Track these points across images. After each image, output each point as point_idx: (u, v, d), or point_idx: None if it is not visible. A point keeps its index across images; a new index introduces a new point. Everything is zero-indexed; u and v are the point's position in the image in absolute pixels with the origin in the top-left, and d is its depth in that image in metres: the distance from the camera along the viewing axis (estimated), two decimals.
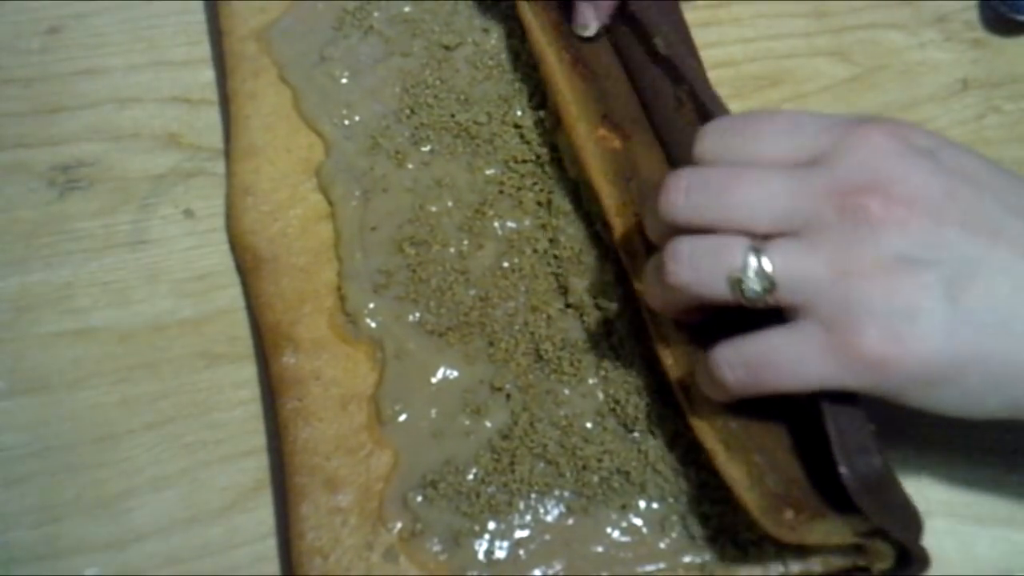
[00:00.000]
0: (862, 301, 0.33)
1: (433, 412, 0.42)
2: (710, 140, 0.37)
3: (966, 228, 0.33)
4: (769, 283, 0.34)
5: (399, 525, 0.40)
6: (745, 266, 0.34)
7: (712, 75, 0.52)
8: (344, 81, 0.49)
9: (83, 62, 0.52)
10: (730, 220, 0.35)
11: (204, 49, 0.53)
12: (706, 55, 0.52)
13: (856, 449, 0.34)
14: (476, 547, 0.39)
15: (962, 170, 0.35)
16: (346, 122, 0.48)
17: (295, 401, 0.42)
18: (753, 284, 0.34)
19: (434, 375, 0.43)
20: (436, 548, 0.39)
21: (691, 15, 0.53)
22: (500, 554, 0.39)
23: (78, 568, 0.41)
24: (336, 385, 0.42)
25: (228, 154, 0.48)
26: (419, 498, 0.40)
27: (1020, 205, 0.34)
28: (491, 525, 0.39)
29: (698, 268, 0.35)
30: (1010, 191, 0.35)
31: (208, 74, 0.52)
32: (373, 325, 0.44)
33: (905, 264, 0.33)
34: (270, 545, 0.41)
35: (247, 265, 0.46)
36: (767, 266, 0.34)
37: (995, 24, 0.54)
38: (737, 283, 0.34)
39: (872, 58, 0.53)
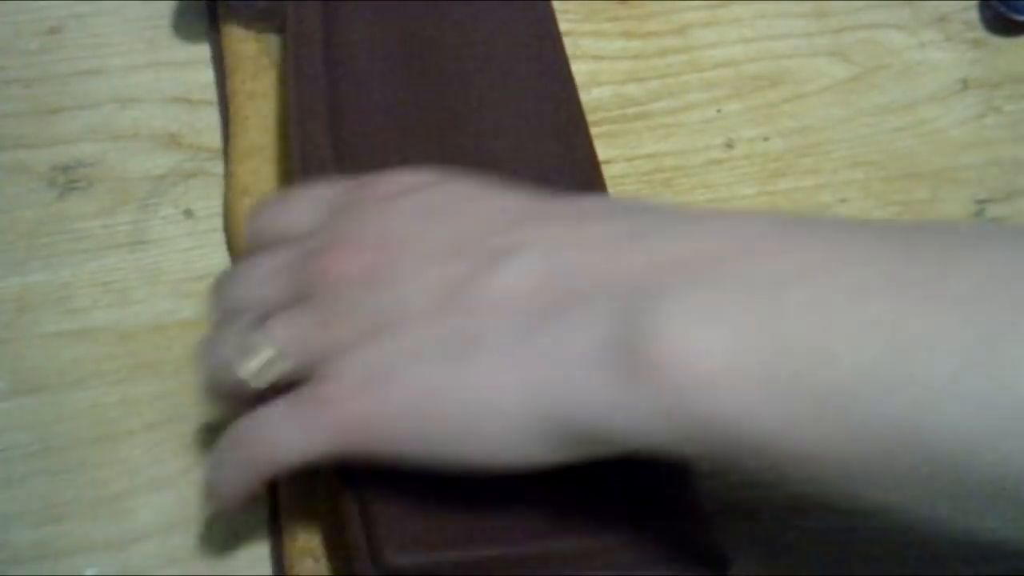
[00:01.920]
0: (344, 356, 0.31)
1: None
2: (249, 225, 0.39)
3: (425, 260, 0.31)
4: (273, 356, 0.33)
5: None
6: (246, 350, 0.33)
7: (712, 75, 0.52)
8: None
9: (83, 62, 0.52)
10: (246, 308, 0.34)
11: (204, 49, 0.53)
12: (705, 56, 0.52)
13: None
14: None
15: (437, 200, 0.33)
16: None
17: None
18: (258, 362, 0.33)
19: None
20: None
21: (691, 15, 0.53)
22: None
23: (78, 568, 0.41)
24: None
25: (227, 155, 0.48)
26: None
27: (522, 208, 0.32)
28: None
29: (216, 360, 0.34)
30: (515, 204, 0.32)
31: (209, 74, 0.52)
32: None
33: (365, 309, 0.31)
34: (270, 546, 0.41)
35: None
36: (262, 342, 0.33)
37: (995, 24, 0.54)
38: (249, 363, 0.33)
39: (872, 58, 0.53)
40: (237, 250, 0.46)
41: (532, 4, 0.47)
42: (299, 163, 0.41)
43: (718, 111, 0.51)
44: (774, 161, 0.50)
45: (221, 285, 0.37)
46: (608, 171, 0.45)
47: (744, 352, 0.25)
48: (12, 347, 0.45)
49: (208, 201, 0.49)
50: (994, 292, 0.24)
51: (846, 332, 0.25)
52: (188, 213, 0.48)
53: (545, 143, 0.44)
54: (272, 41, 0.50)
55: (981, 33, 0.54)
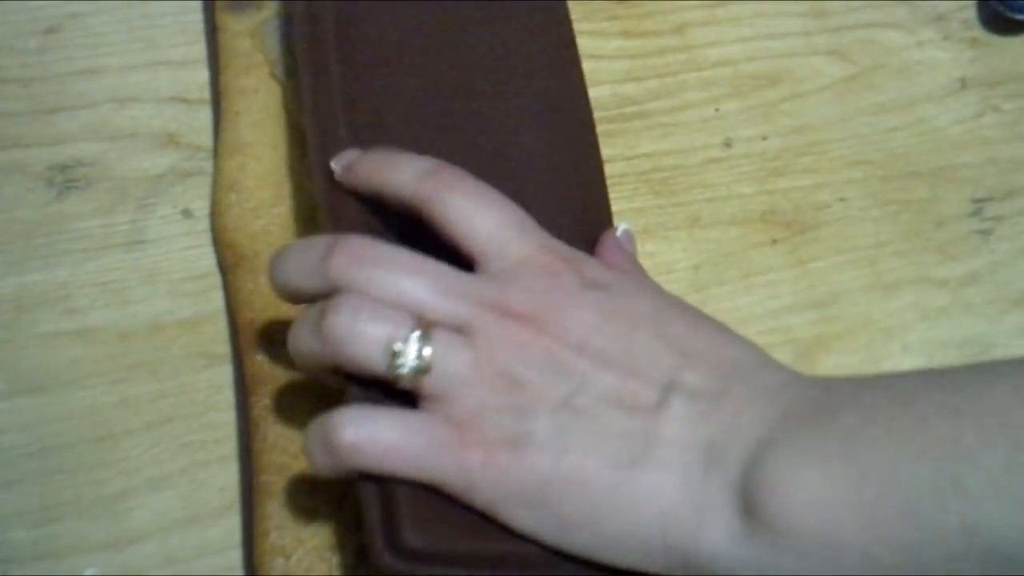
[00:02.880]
0: (487, 406, 0.33)
1: None
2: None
3: (604, 364, 0.34)
4: (424, 366, 0.34)
5: None
6: (408, 340, 0.34)
7: (710, 74, 0.52)
8: None
9: (81, 62, 0.52)
10: (399, 301, 0.35)
11: (202, 49, 0.53)
12: (704, 55, 0.52)
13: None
14: None
15: (626, 309, 0.35)
16: None
17: (267, 399, 0.42)
18: (410, 361, 0.34)
19: None
20: None
21: (689, 14, 0.53)
22: None
23: (77, 568, 0.41)
24: (309, 384, 0.42)
25: (216, 150, 0.48)
26: None
27: (687, 346, 0.35)
28: None
29: (362, 328, 0.34)
30: (681, 334, 0.35)
31: (206, 74, 0.52)
32: None
33: (537, 382, 0.34)
34: None
35: (228, 262, 0.46)
36: (427, 349, 0.34)
37: (993, 23, 0.54)
38: (394, 355, 0.34)
39: (870, 57, 0.53)
40: (224, 244, 0.46)
41: (549, 4, 0.47)
42: (318, 147, 0.41)
43: (716, 110, 0.51)
44: (772, 160, 0.50)
45: (358, 256, 0.35)
46: (607, 170, 0.45)
47: (835, 486, 0.31)
48: (10, 347, 0.45)
49: (206, 201, 0.48)
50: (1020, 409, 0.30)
51: (908, 457, 0.30)
52: (186, 213, 0.48)
53: (554, 142, 0.44)
54: (266, 38, 0.50)
55: (979, 32, 0.54)
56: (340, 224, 0.39)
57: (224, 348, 0.45)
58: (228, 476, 0.43)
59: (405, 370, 0.34)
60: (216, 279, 0.47)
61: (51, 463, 0.43)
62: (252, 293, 0.44)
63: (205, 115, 0.51)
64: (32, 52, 0.52)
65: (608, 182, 0.45)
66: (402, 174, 0.37)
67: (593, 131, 0.45)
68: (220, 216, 0.47)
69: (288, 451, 0.41)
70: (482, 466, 0.33)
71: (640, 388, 0.34)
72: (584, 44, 0.52)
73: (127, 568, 0.41)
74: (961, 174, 0.50)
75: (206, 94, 0.52)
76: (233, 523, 0.42)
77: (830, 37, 0.54)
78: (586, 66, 0.48)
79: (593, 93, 0.50)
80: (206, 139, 0.50)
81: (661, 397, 0.33)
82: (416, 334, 0.34)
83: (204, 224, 0.48)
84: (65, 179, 0.49)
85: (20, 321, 0.46)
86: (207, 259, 0.47)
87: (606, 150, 0.46)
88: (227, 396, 0.44)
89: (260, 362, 0.43)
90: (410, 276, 0.35)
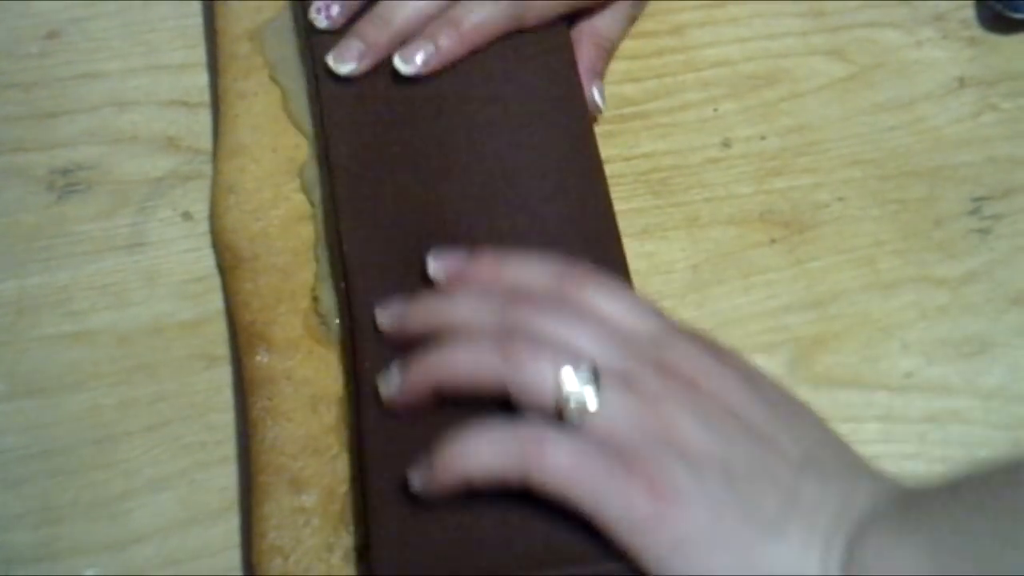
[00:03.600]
0: (649, 452, 0.34)
1: None
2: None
3: (754, 433, 0.35)
4: (592, 405, 0.34)
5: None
6: (578, 378, 0.35)
7: (708, 74, 0.52)
8: None
9: (82, 66, 0.52)
10: (569, 343, 0.36)
11: (201, 53, 0.53)
12: (702, 55, 0.52)
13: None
14: None
15: (766, 387, 0.37)
16: None
17: (265, 400, 0.42)
18: (578, 398, 0.34)
19: None
20: None
21: (687, 15, 0.54)
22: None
23: (77, 569, 0.41)
24: (307, 385, 0.42)
25: (215, 152, 0.49)
26: None
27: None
28: None
29: (536, 354, 0.35)
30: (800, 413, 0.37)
31: (206, 78, 0.52)
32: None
33: (694, 439, 0.34)
34: None
35: (227, 264, 0.46)
36: (595, 389, 0.34)
37: (992, 22, 0.54)
38: (559, 387, 0.35)
39: (869, 57, 0.53)
40: (223, 246, 0.46)
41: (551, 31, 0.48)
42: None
43: (715, 110, 0.51)
44: (771, 160, 0.50)
45: (535, 303, 0.37)
46: (606, 171, 0.45)
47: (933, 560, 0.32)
48: (11, 349, 0.45)
49: (206, 203, 0.49)
50: None
51: (980, 542, 0.32)
52: (186, 215, 0.48)
53: (554, 151, 0.45)
54: (265, 41, 0.50)
55: (977, 31, 0.54)
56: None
57: (223, 350, 0.45)
58: (228, 477, 0.43)
59: (572, 404, 0.34)
60: (216, 281, 0.47)
61: (51, 465, 0.43)
62: (251, 295, 0.44)
63: (205, 118, 0.51)
64: (33, 56, 0.53)
65: (607, 182, 0.45)
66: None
67: (592, 138, 0.46)
68: (219, 218, 0.47)
69: (286, 452, 0.41)
70: (643, 506, 0.33)
71: (781, 461, 0.35)
72: None
73: (127, 569, 0.41)
74: (960, 173, 0.50)
75: (206, 97, 0.52)
76: (233, 524, 0.42)
77: (828, 37, 0.54)
78: None
79: None
80: (206, 142, 0.50)
81: (799, 471, 0.35)
82: (587, 374, 0.35)
83: (204, 227, 0.48)
84: (66, 182, 0.49)
85: (21, 323, 0.46)
86: (207, 261, 0.47)
87: (605, 151, 0.46)
88: (227, 397, 0.44)
89: (259, 363, 0.43)
90: (582, 324, 0.36)
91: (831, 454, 0.36)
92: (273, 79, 0.49)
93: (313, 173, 0.47)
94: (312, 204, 0.46)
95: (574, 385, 0.34)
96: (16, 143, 0.50)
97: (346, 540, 0.39)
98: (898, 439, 0.44)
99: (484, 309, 0.38)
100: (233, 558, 0.41)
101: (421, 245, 0.41)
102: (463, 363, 0.37)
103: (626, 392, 0.35)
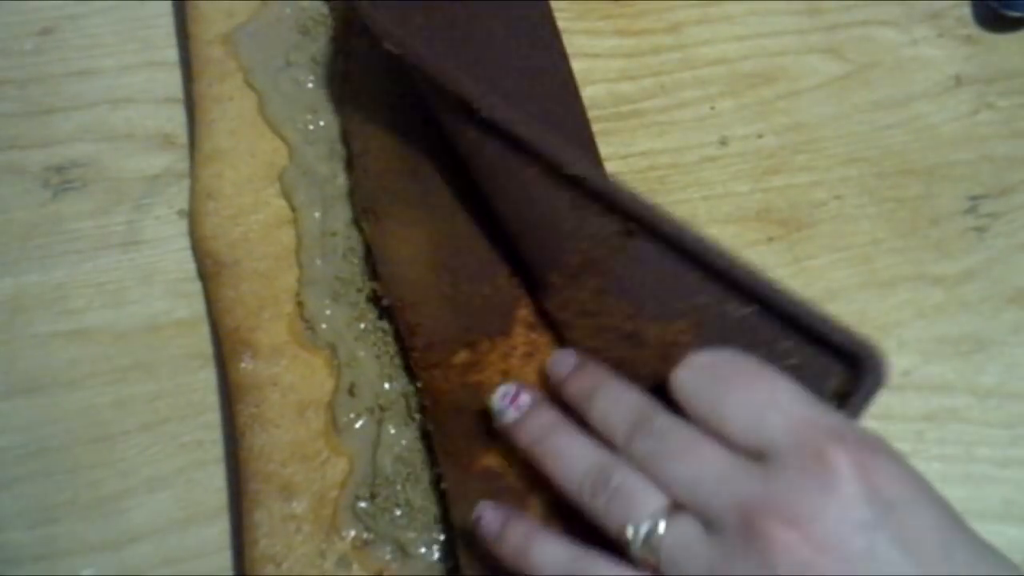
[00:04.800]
0: None
1: None
2: (690, 376, 0.36)
3: None
4: (655, 548, 0.34)
5: (352, 533, 0.40)
6: (652, 521, 0.34)
7: (705, 73, 0.52)
8: (309, 86, 0.49)
9: (76, 63, 0.52)
10: (661, 480, 0.35)
11: None
12: (699, 53, 0.52)
13: None
14: (425, 555, 0.39)
15: (909, 535, 0.32)
16: (310, 127, 0.48)
17: (252, 407, 0.42)
18: (642, 541, 0.34)
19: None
20: (387, 556, 0.39)
21: (684, 13, 0.53)
22: (450, 562, 0.39)
23: (74, 568, 0.41)
24: (294, 391, 0.42)
25: (192, 158, 0.48)
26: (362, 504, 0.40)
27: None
28: (438, 536, 0.40)
29: (611, 499, 0.35)
30: (965, 561, 0.32)
31: None
32: (330, 332, 0.43)
33: None
34: None
35: (208, 270, 0.45)
36: (662, 531, 0.34)
37: (988, 21, 0.54)
38: (624, 529, 0.34)
39: (865, 55, 0.53)
40: (203, 253, 0.46)
41: (532, 3, 0.47)
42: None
43: (712, 108, 0.51)
44: (768, 158, 0.50)
45: (644, 419, 0.36)
46: (605, 170, 0.45)
47: None
48: (7, 348, 0.45)
49: None
50: None
51: None
52: (182, 213, 0.48)
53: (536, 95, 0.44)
54: (239, 44, 0.49)
55: (974, 29, 0.54)
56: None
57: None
58: (224, 476, 0.43)
59: (638, 543, 0.34)
60: None
61: (48, 464, 0.43)
62: (233, 301, 0.44)
63: None
64: (27, 53, 0.52)
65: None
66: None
67: (588, 127, 0.45)
68: (199, 224, 0.46)
69: (274, 459, 0.41)
70: None
71: None
72: (579, 43, 0.52)
73: (124, 568, 0.41)
74: (956, 171, 0.50)
75: None
76: (230, 523, 0.42)
77: (825, 35, 0.54)
78: (581, 65, 0.48)
79: (589, 92, 0.50)
80: None
81: None
82: (661, 521, 0.34)
83: None
84: (61, 180, 0.49)
85: (16, 322, 0.46)
86: None
87: (602, 149, 0.46)
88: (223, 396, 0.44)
89: (244, 370, 0.43)
90: (679, 462, 0.35)
91: None
92: (248, 83, 0.49)
93: (292, 176, 0.46)
94: (292, 208, 0.46)
95: (638, 524, 0.34)
96: (11, 140, 0.50)
97: (338, 545, 0.39)
98: (896, 437, 0.44)
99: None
100: (230, 557, 0.41)
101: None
102: (556, 469, 0.37)
103: (696, 537, 0.34)
